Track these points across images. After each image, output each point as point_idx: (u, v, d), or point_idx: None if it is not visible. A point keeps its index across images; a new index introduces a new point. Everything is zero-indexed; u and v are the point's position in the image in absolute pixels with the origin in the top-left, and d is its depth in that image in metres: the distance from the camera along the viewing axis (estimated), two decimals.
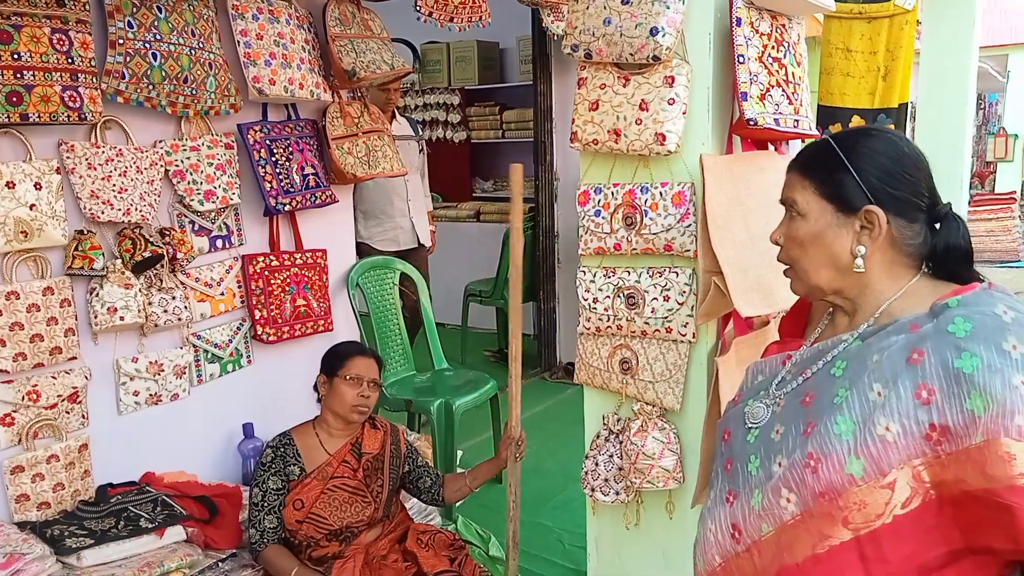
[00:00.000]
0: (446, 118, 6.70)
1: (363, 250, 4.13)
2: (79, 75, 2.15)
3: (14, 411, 2.18)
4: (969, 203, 11.45)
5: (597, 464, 2.12)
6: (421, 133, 4.63)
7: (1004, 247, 10.08)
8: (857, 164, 1.10)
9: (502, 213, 6.10)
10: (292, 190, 2.76)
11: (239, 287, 2.74)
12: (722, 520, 1.17)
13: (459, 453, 3.43)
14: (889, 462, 1.00)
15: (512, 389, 2.17)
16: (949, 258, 1.10)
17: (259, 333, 2.77)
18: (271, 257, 2.80)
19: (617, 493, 2.09)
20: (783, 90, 1.88)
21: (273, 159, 2.72)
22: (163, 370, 2.52)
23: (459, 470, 3.31)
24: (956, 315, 1.01)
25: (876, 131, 1.14)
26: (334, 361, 2.32)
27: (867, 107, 3.58)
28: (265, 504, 2.24)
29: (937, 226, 1.12)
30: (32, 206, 2.14)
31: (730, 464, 1.20)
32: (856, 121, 3.59)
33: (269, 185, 2.70)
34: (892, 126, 3.36)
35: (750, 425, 1.18)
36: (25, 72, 2.03)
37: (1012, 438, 0.92)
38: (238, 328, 2.75)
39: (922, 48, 6.32)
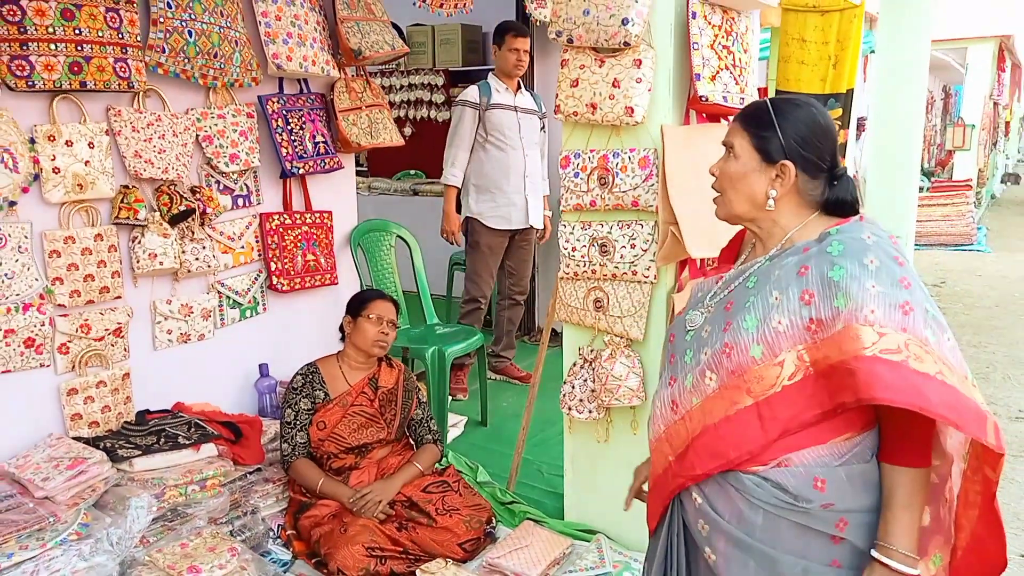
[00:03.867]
0: (430, 98, 6.99)
1: (474, 226, 4.10)
2: (128, 48, 2.47)
3: (69, 341, 2.51)
4: (928, 189, 11.92)
5: (573, 387, 2.50)
6: (544, 109, 4.34)
7: (959, 231, 10.62)
8: (783, 127, 1.41)
9: None
10: (305, 156, 3.10)
11: (257, 241, 3.08)
12: (665, 398, 1.53)
13: (449, 398, 3.80)
14: (780, 346, 1.36)
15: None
16: (839, 207, 1.47)
17: (274, 283, 3.11)
18: (285, 215, 3.14)
19: (590, 411, 2.47)
20: (731, 73, 2.26)
21: (289, 127, 3.06)
22: (192, 312, 2.86)
23: (450, 415, 3.70)
24: (834, 240, 1.37)
25: (804, 102, 1.47)
26: (359, 303, 2.70)
27: (818, 92, 3.97)
28: (297, 422, 2.61)
29: (835, 183, 1.48)
30: (87, 162, 2.46)
31: (673, 358, 1.56)
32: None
33: (285, 151, 3.03)
34: (840, 111, 3.74)
35: (688, 328, 1.54)
36: (84, 45, 2.35)
37: (860, 324, 1.27)
38: (255, 278, 3.09)
39: (878, 41, 6.71)
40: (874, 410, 1.39)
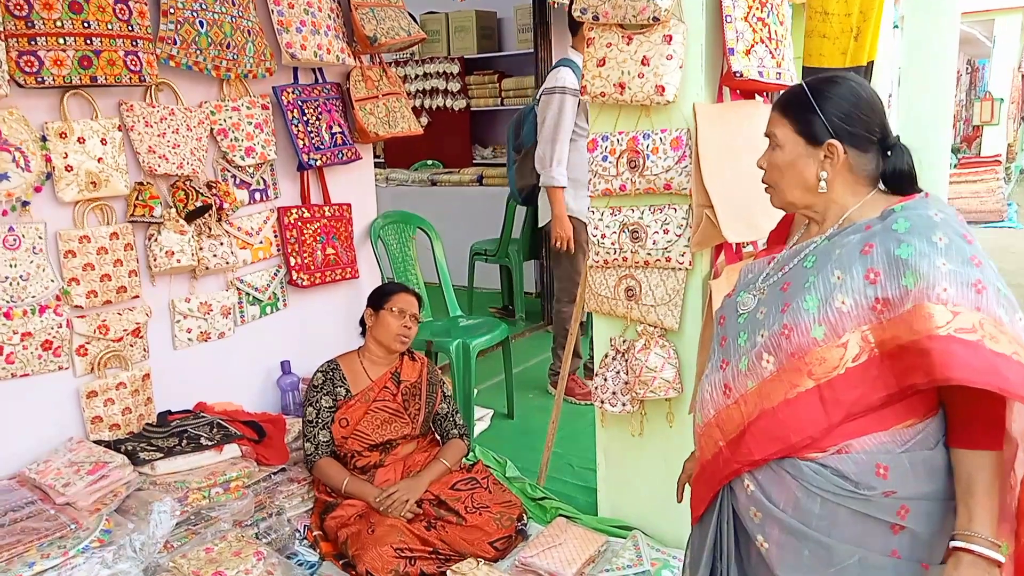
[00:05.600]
0: (446, 87, 6.90)
1: (573, 226, 3.67)
2: (138, 41, 2.40)
3: (87, 343, 2.46)
4: (956, 165, 11.65)
5: (606, 380, 2.41)
6: None
7: (989, 208, 10.37)
8: (823, 107, 1.38)
9: (503, 177, 6.34)
10: (322, 147, 3.02)
11: (275, 236, 3.01)
12: (717, 382, 1.48)
13: (474, 391, 3.72)
14: (844, 327, 1.31)
15: None
16: (897, 178, 1.41)
17: (294, 278, 3.04)
18: (303, 209, 3.07)
19: (624, 404, 2.38)
20: (766, 46, 2.14)
21: (305, 119, 2.98)
22: (212, 310, 2.80)
23: (476, 408, 3.63)
24: (899, 217, 1.32)
25: (841, 78, 1.42)
26: (381, 296, 2.63)
27: (839, 67, 3.82)
28: (319, 420, 2.54)
29: (889, 154, 1.41)
30: (100, 159, 2.40)
31: (724, 340, 1.51)
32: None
33: (302, 142, 2.95)
34: None
35: (740, 311, 1.50)
36: (94, 39, 2.28)
37: (932, 302, 1.22)
38: (275, 274, 3.03)
39: (905, 13, 6.51)
40: (937, 396, 1.34)
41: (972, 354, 1.19)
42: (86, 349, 2.46)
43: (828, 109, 1.38)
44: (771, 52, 2.16)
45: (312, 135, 2.99)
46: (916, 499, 1.32)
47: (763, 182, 1.50)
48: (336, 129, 3.09)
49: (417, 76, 7.01)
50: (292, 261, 3.03)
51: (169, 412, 2.67)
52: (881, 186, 1.43)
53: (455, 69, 6.85)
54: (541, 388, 4.16)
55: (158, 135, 2.54)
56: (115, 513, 2.22)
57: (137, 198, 2.50)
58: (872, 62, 3.68)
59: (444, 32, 6.92)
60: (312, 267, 3.09)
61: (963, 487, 1.29)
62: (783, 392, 1.36)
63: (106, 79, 2.33)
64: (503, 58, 6.86)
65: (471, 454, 3.14)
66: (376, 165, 7.50)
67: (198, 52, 2.59)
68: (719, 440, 1.47)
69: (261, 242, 2.95)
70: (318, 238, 3.11)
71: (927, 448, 1.32)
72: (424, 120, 6.98)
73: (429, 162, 7.10)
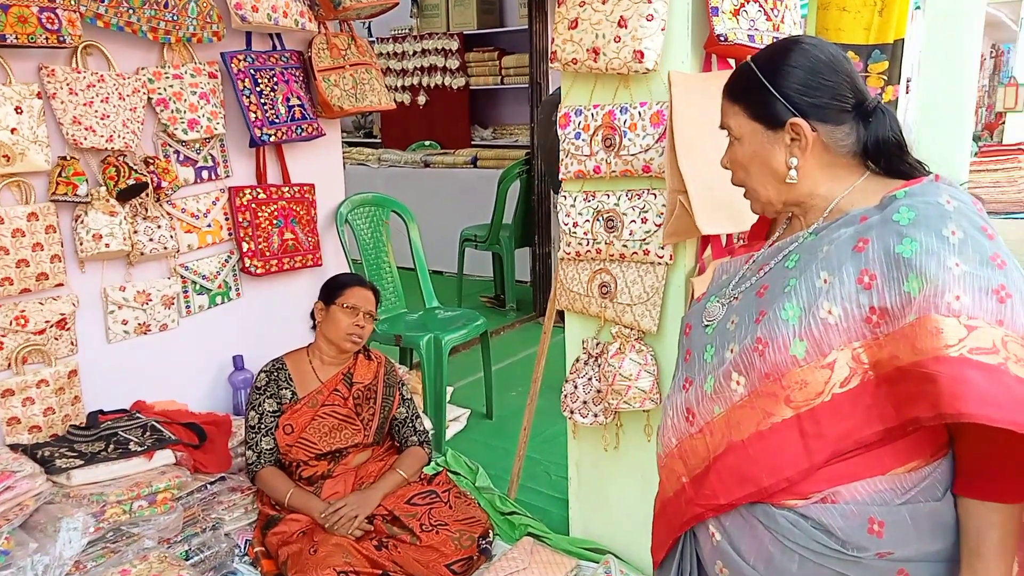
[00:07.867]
0: (444, 64, 6.61)
1: None
2: None
3: (2, 335, 2.21)
4: (976, 154, 11.26)
5: (576, 387, 2.14)
6: None
7: (1010, 198, 9.93)
8: (775, 81, 1.14)
9: (499, 159, 6.06)
10: (277, 121, 2.75)
11: (226, 219, 2.74)
12: (679, 405, 1.24)
13: (449, 390, 3.47)
14: (830, 343, 1.06)
15: None
16: (881, 151, 1.14)
17: (247, 266, 2.78)
18: (258, 190, 2.80)
19: (596, 415, 2.11)
20: (760, 6, 1.84)
21: (258, 89, 2.70)
22: (151, 300, 2.54)
23: (449, 406, 3.37)
24: (901, 205, 1.05)
25: (793, 44, 1.16)
26: (333, 289, 2.37)
27: (862, 43, 3.50)
28: (262, 426, 2.29)
29: (869, 121, 1.15)
30: (13, 130, 2.14)
31: (688, 354, 1.26)
32: (850, 57, 3.51)
33: (254, 115, 2.68)
34: (886, 63, 3.28)
35: (707, 321, 1.24)
36: None
37: (941, 314, 0.97)
38: (226, 260, 2.77)
39: None
40: (947, 430, 1.08)
41: (992, 383, 0.94)
42: (1, 343, 2.22)
43: (781, 83, 1.13)
44: (766, 13, 1.86)
45: (266, 108, 2.72)
46: (918, 561, 1.07)
47: (733, 184, 1.25)
48: (295, 102, 2.82)
49: (415, 52, 6.73)
50: (244, 246, 2.77)
51: (101, 412, 2.42)
52: (873, 167, 1.16)
53: (454, 45, 6.56)
54: (525, 385, 3.89)
55: (84, 104, 2.28)
56: (19, 530, 1.97)
57: (59, 175, 2.24)
58: (900, 40, 3.34)
59: (443, 7, 6.62)
60: (267, 253, 2.83)
61: (970, 546, 1.04)
62: (755, 422, 1.11)
63: (17, 38, 2.06)
64: (504, 34, 6.56)
65: (441, 460, 2.89)
66: (371, 145, 7.24)
67: (130, 11, 2.32)
68: (682, 476, 1.23)
69: (210, 225, 2.69)
70: (275, 222, 2.85)
71: (933, 499, 1.07)
72: (422, 99, 6.70)
73: (427, 143, 6.82)
